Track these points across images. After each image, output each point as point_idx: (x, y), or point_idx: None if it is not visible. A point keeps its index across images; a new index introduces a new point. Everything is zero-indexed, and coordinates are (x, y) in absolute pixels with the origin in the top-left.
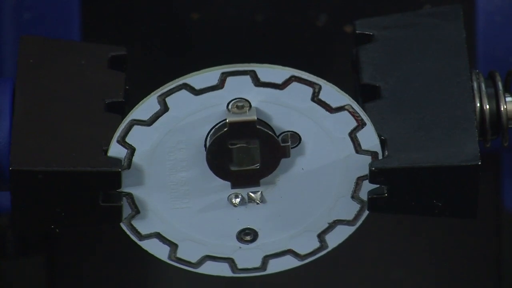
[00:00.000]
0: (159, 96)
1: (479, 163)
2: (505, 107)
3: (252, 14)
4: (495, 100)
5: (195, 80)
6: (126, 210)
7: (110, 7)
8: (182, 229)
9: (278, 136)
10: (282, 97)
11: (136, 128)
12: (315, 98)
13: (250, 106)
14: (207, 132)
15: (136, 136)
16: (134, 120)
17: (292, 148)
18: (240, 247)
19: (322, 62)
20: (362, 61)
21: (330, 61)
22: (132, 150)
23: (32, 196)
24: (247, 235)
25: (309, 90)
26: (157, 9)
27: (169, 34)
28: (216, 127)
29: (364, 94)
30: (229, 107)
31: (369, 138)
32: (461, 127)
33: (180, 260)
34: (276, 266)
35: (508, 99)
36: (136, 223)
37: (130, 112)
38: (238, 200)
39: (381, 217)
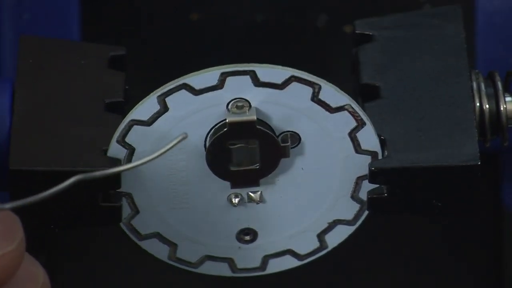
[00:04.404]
0: (159, 96)
1: (479, 163)
2: (504, 107)
3: (252, 14)
4: (495, 100)
5: (195, 80)
6: (126, 210)
7: (109, 7)
8: (181, 229)
9: (277, 136)
10: (282, 97)
11: (135, 128)
12: (315, 98)
13: (250, 106)
14: (206, 132)
15: (135, 136)
16: (134, 120)
17: (291, 148)
18: (239, 247)
19: (322, 62)
20: (362, 61)
21: (330, 61)
22: (131, 150)
23: (32, 196)
24: (247, 235)
25: (309, 90)
26: (157, 9)
27: (169, 34)
28: (216, 127)
29: (364, 94)
30: (229, 107)
31: (369, 138)
32: (461, 127)
33: (180, 260)
34: (275, 266)
35: (507, 99)
36: (135, 223)
37: (129, 112)
38: (237, 200)
39: (380, 217)
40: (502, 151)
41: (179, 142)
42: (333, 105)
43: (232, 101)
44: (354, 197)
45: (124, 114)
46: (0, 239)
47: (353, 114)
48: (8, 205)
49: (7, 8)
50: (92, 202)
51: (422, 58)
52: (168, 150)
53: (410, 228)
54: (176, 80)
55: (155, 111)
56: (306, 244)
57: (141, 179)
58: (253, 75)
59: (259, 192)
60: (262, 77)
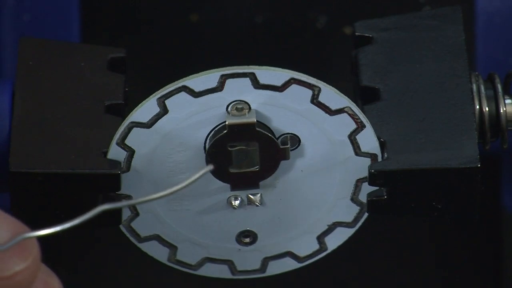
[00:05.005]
0: (159, 98)
1: (479, 165)
2: (504, 109)
3: (251, 15)
4: (495, 102)
5: (195, 83)
6: (126, 212)
7: (109, 9)
8: (181, 231)
9: (277, 138)
10: (282, 99)
11: (135, 130)
12: (315, 100)
13: (250, 108)
14: (206, 134)
15: (135, 139)
16: (134, 122)
17: (291, 150)
18: (239, 249)
19: (322, 64)
20: (362, 63)
21: (329, 63)
22: (131, 152)
23: (32, 198)
24: (247, 237)
25: (309, 92)
26: (157, 10)
27: (169, 35)
28: (216, 129)
29: (364, 96)
30: (229, 109)
31: (369, 140)
32: (461, 129)
33: (179, 262)
34: (275, 268)
35: (507, 101)
36: (135, 225)
37: (129, 115)
38: (237, 202)
39: (380, 219)
40: (502, 153)
41: (205, 173)
42: (333, 107)
43: (232, 103)
44: (354, 199)
45: (123, 116)
46: (15, 257)
47: (353, 116)
48: (32, 234)
49: (7, 9)
50: (91, 205)
51: (422, 60)
52: (194, 181)
53: (409, 229)
54: (176, 82)
55: (154, 113)
56: (306, 246)
57: (141, 181)
58: (252, 77)
59: (259, 195)
60: (262, 80)
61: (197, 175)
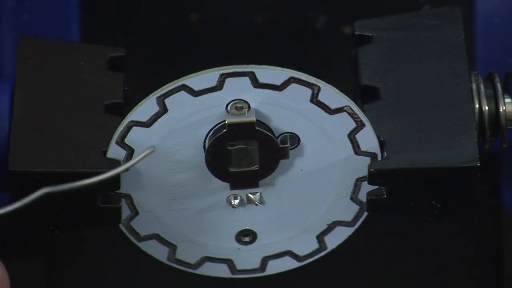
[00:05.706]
0: (158, 97)
1: (478, 164)
2: (504, 108)
3: (251, 15)
4: (494, 101)
5: (194, 81)
6: (125, 212)
7: (109, 8)
8: (181, 230)
9: (277, 137)
10: (281, 98)
11: (135, 129)
12: (314, 100)
13: (249, 107)
14: (206, 133)
15: (135, 138)
16: (133, 121)
17: (291, 149)
18: (239, 248)
19: (321, 63)
20: (361, 62)
21: (329, 62)
22: (131, 151)
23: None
24: (246, 236)
25: (308, 91)
26: (156, 10)
27: (168, 35)
28: (215, 128)
29: (363, 95)
30: (228, 108)
31: (368, 139)
32: (460, 128)
33: (179, 261)
34: (275, 267)
35: (507, 100)
36: (135, 224)
37: (129, 114)
38: (237, 201)
39: (380, 218)
40: (502, 152)
41: (146, 155)
42: (332, 106)
43: (232, 102)
44: (354, 198)
45: (123, 115)
46: None
47: (352, 115)
48: None
49: (7, 9)
50: (91, 204)
51: (421, 59)
52: (134, 164)
53: (409, 229)
54: (175, 81)
55: (154, 112)
56: (306, 245)
57: (140, 180)
58: (252, 76)
59: (258, 194)
60: (261, 79)
61: (139, 157)
